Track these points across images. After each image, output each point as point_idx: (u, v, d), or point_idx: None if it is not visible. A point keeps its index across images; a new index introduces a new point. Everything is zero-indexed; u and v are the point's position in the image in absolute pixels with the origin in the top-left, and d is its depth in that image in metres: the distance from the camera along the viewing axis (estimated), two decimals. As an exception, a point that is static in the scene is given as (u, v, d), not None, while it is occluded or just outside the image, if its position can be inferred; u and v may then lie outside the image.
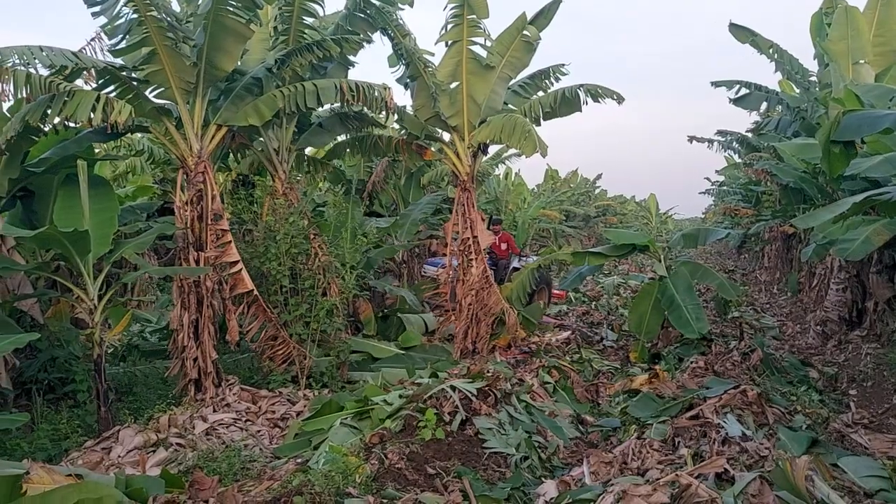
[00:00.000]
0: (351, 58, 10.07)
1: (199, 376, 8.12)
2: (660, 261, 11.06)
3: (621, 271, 24.22)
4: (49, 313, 8.87)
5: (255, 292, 8.51)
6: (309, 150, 12.82)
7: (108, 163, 13.89)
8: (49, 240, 7.19)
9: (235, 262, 8.30)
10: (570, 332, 11.80)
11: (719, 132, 20.96)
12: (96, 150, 11.54)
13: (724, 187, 31.37)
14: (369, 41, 9.72)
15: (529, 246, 25.54)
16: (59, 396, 8.38)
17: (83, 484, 4.60)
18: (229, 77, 8.49)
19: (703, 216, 53.39)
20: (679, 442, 6.23)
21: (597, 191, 41.50)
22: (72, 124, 7.61)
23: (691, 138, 20.43)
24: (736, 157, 24.08)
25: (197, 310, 8.11)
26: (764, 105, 14.81)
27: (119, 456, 6.58)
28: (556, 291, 16.14)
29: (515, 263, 14.29)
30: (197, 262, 8.11)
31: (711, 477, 4.73)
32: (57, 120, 7.06)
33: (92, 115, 6.83)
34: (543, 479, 6.13)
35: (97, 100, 6.86)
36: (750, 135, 19.39)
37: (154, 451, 6.64)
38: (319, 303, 9.06)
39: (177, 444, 6.84)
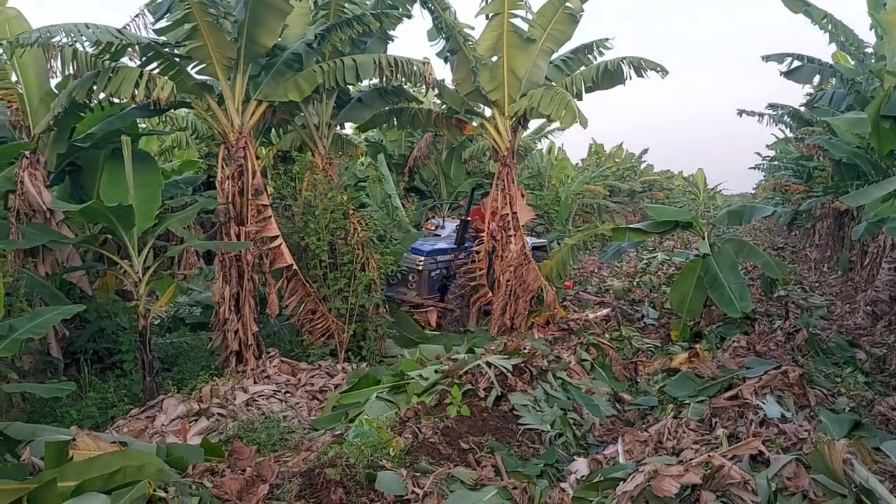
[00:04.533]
0: (391, 32, 10.05)
1: (240, 348, 8.30)
2: (703, 238, 10.84)
3: (666, 248, 23.85)
4: (96, 285, 9.13)
5: (295, 267, 8.61)
6: (349, 126, 12.86)
7: (154, 137, 14.15)
8: (95, 214, 7.39)
9: (275, 237, 8.40)
10: (610, 310, 11.68)
11: (770, 106, 20.33)
12: (141, 126, 11.79)
13: (776, 162, 30.52)
14: (409, 15, 9.65)
15: (573, 221, 25.29)
16: (107, 366, 8.67)
17: (126, 451, 4.76)
18: (270, 52, 8.53)
19: (753, 192, 52.11)
20: (716, 422, 6.16)
21: (643, 166, 40.76)
22: (116, 100, 7.78)
23: (741, 112, 19.88)
24: (787, 131, 23.37)
25: (238, 283, 8.26)
26: (817, 78, 14.28)
27: (163, 424, 6.76)
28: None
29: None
30: (238, 237, 8.24)
31: (746, 458, 4.66)
32: (102, 96, 7.22)
33: (135, 91, 6.99)
34: (578, 456, 6.14)
35: (140, 76, 7.02)
36: (802, 108, 18.77)
37: (196, 421, 6.80)
38: (358, 278, 9.13)
39: (218, 414, 6.98)
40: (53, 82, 8.28)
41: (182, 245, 8.59)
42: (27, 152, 7.97)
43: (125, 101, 7.38)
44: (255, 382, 7.92)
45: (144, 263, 7.88)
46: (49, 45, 6.70)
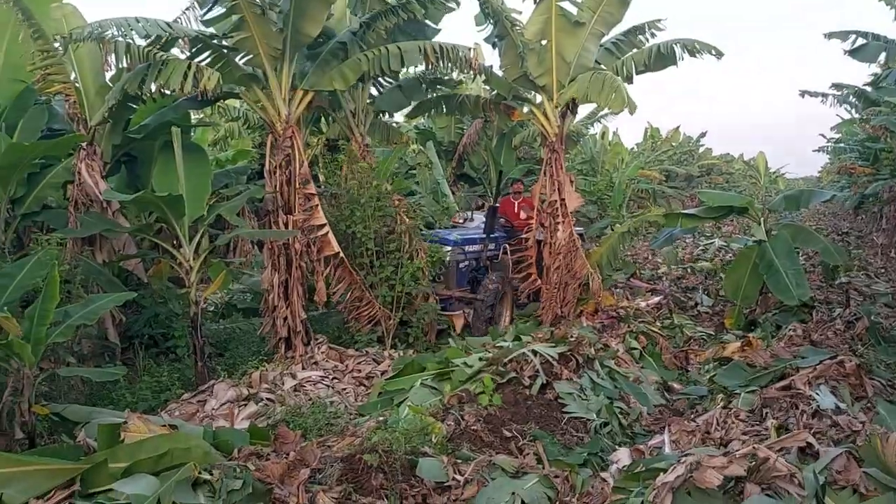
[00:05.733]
0: (437, 26, 10.00)
1: (289, 335, 8.43)
2: (759, 223, 10.52)
3: (725, 233, 23.25)
4: (151, 272, 9.41)
5: (342, 255, 8.68)
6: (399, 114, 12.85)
7: (209, 128, 14.43)
8: (147, 203, 7.61)
9: (322, 226, 8.48)
10: (662, 297, 11.47)
11: (834, 86, 19.60)
12: (195, 117, 12.06)
13: (841, 145, 29.41)
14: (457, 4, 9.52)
15: (627, 207, 24.82)
16: (162, 351, 8.93)
17: (174, 434, 4.89)
18: (315, 41, 8.58)
19: (817, 175, 50.42)
20: (767, 413, 5.99)
21: (701, 149, 39.78)
22: (168, 92, 7.94)
23: (804, 93, 19.23)
24: (853, 112, 22.49)
25: (286, 271, 8.39)
26: (883, 56, 13.67)
27: (213, 408, 6.92)
28: None
29: (539, 236, 11.18)
30: (286, 226, 8.36)
31: (794, 451, 4.51)
32: (153, 88, 7.37)
33: (184, 83, 7.12)
34: (623, 445, 6.05)
35: (189, 68, 7.13)
36: (868, 88, 18.03)
37: (246, 405, 6.95)
38: (405, 266, 9.15)
39: (267, 398, 7.12)
40: (108, 75, 8.54)
41: (231, 233, 8.77)
42: (84, 144, 8.23)
43: (175, 92, 7.52)
44: (303, 368, 8.04)
45: (196, 251, 8.07)
46: (102, 39, 6.87)
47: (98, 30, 6.77)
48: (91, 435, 4.84)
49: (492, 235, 11.38)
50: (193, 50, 7.68)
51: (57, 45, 7.74)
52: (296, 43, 8.09)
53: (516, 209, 12.13)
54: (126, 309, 8.73)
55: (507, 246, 11.55)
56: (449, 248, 10.49)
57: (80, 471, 4.17)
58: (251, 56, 8.01)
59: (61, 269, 6.47)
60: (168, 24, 7.24)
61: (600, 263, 11.35)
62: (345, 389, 7.77)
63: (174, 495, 3.93)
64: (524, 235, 11.20)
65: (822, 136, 32.76)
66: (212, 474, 4.29)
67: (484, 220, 11.45)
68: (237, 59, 8.09)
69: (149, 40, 7.22)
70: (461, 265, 10.84)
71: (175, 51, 7.99)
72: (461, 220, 12.49)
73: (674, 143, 34.62)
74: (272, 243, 8.41)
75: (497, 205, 11.91)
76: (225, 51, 7.93)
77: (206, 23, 7.79)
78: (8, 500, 3.93)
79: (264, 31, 7.71)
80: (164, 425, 5.30)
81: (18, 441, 5.46)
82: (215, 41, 7.91)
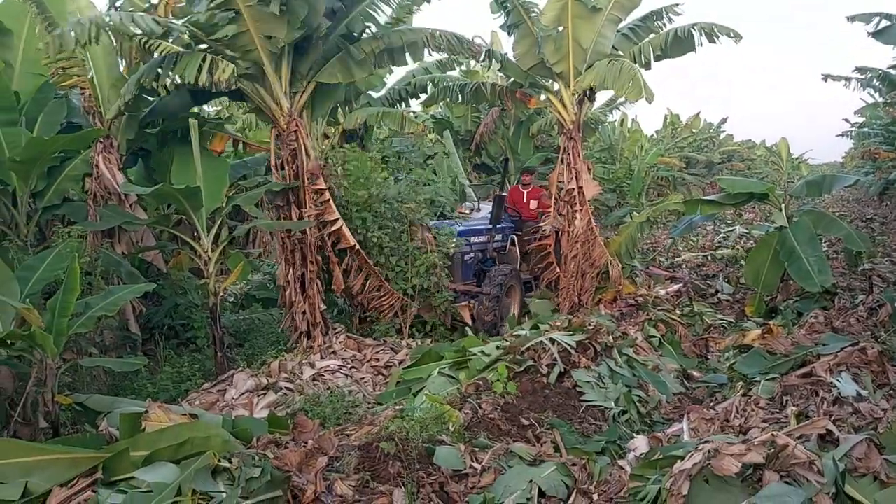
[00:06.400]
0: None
1: (308, 328, 8.42)
2: (780, 210, 10.41)
3: (746, 220, 23.00)
4: (170, 264, 9.49)
5: (358, 247, 8.65)
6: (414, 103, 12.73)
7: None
8: (165, 196, 7.66)
9: (335, 220, 8.42)
10: (681, 285, 11.39)
11: (858, 69, 19.27)
12: (216, 109, 12.13)
13: (865, 129, 28.91)
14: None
15: (646, 194, 24.58)
16: (182, 342, 9.02)
17: (194, 423, 4.93)
18: (315, 32, 8.38)
19: (841, 160, 49.64)
20: (787, 401, 5.94)
21: (722, 135, 39.29)
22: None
23: (826, 76, 18.95)
24: (877, 96, 22.11)
25: (302, 265, 8.31)
26: (908, 38, 13.40)
27: (233, 398, 6.98)
28: None
29: (556, 225, 10.70)
30: (299, 219, 8.32)
31: (814, 438, 4.46)
32: (168, 81, 7.37)
33: (198, 75, 7.10)
34: (642, 433, 6.02)
35: (203, 60, 7.12)
36: (892, 71, 17.72)
37: (265, 395, 7.00)
38: (418, 259, 9.10)
39: (286, 388, 7.18)
40: (121, 68, 8.55)
41: (249, 224, 8.80)
42: (101, 136, 8.29)
43: (190, 85, 7.47)
44: (322, 358, 8.07)
45: (214, 242, 8.10)
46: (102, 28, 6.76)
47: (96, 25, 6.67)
48: (113, 424, 4.91)
49: (499, 226, 11.06)
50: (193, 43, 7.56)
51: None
52: (295, 35, 7.88)
53: (525, 199, 11.86)
54: (146, 300, 8.81)
55: (515, 237, 11.36)
56: (453, 241, 9.96)
57: (102, 459, 4.23)
58: (249, 50, 7.70)
59: (82, 262, 6.55)
60: (167, 20, 7.16)
61: (619, 252, 11.27)
62: (363, 378, 7.80)
63: (194, 483, 3.97)
64: (541, 225, 11.10)
65: (846, 120, 32.09)
66: (231, 462, 4.33)
67: (490, 210, 11.13)
68: (234, 55, 7.87)
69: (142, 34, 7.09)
70: (466, 257, 10.41)
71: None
72: (467, 211, 12.05)
73: (694, 130, 34.25)
74: (284, 238, 8.34)
75: (504, 194, 11.70)
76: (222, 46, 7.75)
77: (195, 23, 7.52)
78: (32, 488, 4.01)
79: (261, 26, 7.43)
80: (185, 414, 5.35)
81: (42, 430, 5.54)
82: (212, 37, 7.75)
